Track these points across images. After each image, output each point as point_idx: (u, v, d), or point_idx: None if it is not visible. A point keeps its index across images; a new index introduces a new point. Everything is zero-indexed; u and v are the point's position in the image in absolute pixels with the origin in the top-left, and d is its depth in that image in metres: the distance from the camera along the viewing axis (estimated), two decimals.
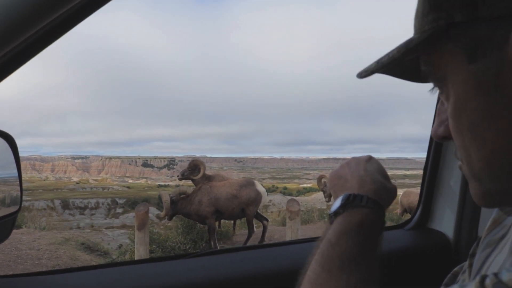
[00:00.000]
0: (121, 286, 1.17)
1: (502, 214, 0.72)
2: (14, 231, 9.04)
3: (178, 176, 9.70)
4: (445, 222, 1.63)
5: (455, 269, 0.84)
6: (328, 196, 12.15)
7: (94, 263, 7.53)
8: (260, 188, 8.92)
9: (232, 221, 10.27)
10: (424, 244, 1.62)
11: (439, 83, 0.55)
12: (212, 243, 8.43)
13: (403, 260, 1.51)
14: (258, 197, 8.72)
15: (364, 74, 0.61)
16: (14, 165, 1.01)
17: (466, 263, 0.76)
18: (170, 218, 8.62)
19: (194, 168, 9.44)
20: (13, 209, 1.02)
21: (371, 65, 0.59)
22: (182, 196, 8.45)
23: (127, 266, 1.33)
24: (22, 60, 0.83)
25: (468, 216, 1.55)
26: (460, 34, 0.48)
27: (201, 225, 8.99)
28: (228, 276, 1.24)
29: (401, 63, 0.57)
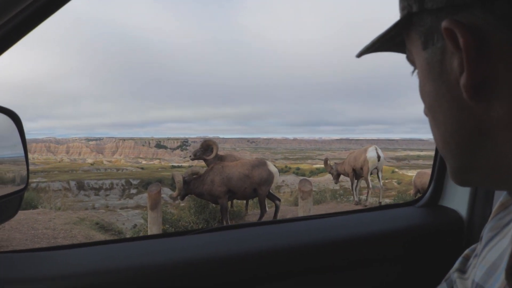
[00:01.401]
0: (125, 262, 1.13)
1: (509, 198, 0.70)
2: (31, 211, 9.24)
3: (190, 156, 9.71)
4: (458, 200, 1.60)
5: (466, 251, 0.83)
6: (336, 178, 12.03)
7: None
8: (272, 168, 8.93)
9: (245, 201, 10.33)
10: (436, 221, 1.59)
11: (413, 65, 0.61)
12: (224, 222, 8.50)
13: (414, 237, 1.49)
14: (270, 177, 8.74)
15: (358, 54, 0.65)
16: (20, 142, 1.01)
17: (478, 247, 0.75)
18: (182, 198, 8.71)
19: (206, 148, 9.46)
20: (20, 187, 1.03)
21: (364, 47, 0.63)
22: (194, 176, 8.51)
23: (132, 242, 1.30)
24: (19, 34, 0.82)
25: (481, 194, 1.51)
26: (417, 23, 0.53)
27: (214, 205, 9.09)
28: (238, 252, 1.23)
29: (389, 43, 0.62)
